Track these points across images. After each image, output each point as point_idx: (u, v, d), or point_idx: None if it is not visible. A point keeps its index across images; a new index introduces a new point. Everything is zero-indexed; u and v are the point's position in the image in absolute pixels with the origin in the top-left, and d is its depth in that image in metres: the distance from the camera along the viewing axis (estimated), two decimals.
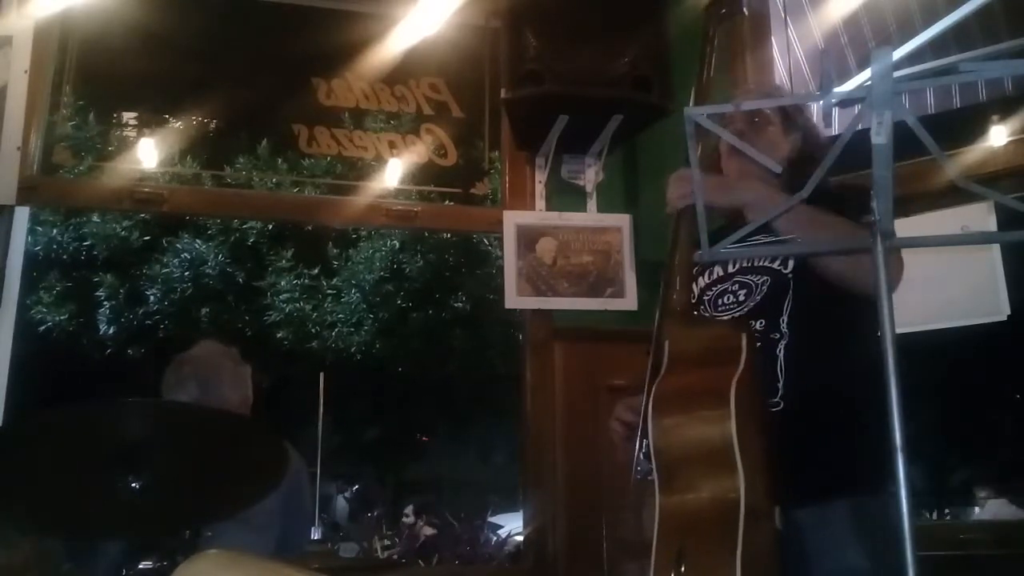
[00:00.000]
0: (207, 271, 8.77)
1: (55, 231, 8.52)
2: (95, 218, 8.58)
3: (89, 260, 8.74)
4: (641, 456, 1.52)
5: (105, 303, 8.80)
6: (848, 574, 1.60)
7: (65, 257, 8.67)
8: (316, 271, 8.97)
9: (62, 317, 8.61)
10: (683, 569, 1.27)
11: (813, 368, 1.63)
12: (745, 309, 1.75)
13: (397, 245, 9.02)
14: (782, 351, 1.68)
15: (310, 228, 8.92)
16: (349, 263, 9.12)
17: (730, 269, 1.84)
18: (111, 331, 8.90)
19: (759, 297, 1.75)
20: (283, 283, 8.86)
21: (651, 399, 1.42)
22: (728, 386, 1.39)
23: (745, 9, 1.92)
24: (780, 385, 1.66)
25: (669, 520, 1.33)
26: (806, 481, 1.37)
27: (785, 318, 1.71)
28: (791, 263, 1.74)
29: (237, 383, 2.32)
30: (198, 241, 8.77)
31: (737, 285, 1.80)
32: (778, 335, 1.70)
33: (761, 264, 1.78)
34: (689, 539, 1.31)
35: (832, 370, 1.67)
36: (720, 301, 1.80)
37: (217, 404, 2.23)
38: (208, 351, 2.39)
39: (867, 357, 1.75)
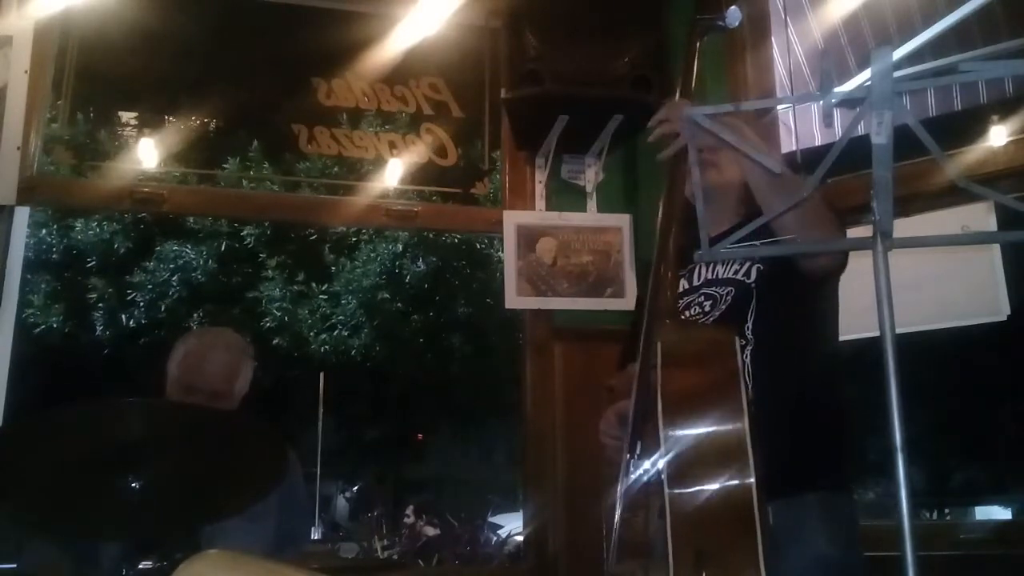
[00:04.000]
0: (199, 276, 8.77)
1: (44, 231, 8.53)
2: (77, 225, 8.59)
3: (80, 263, 8.75)
4: (635, 458, 1.52)
5: (100, 304, 8.79)
6: (816, 560, 1.67)
7: (55, 256, 8.67)
8: (302, 277, 8.95)
9: (56, 319, 8.61)
10: (704, 573, 1.27)
11: (779, 372, 1.70)
12: (711, 319, 1.83)
13: (400, 248, 9.01)
14: (748, 357, 1.75)
15: (307, 232, 8.91)
16: (345, 269, 9.11)
17: (695, 282, 1.91)
18: (107, 333, 8.89)
19: (724, 307, 1.83)
20: (276, 291, 8.86)
21: (660, 401, 1.42)
22: (737, 384, 1.40)
23: (725, 23, 1.93)
24: (749, 389, 1.69)
25: (683, 521, 1.32)
26: (774, 478, 1.39)
27: (750, 325, 1.79)
28: (753, 273, 1.83)
29: (236, 363, 2.33)
30: (189, 247, 8.76)
31: (703, 297, 1.88)
32: (744, 342, 1.76)
33: (725, 276, 1.87)
34: (707, 538, 1.31)
35: (797, 373, 1.75)
36: (686, 313, 1.87)
37: (211, 368, 2.26)
38: (223, 332, 2.48)
39: (831, 358, 1.87)
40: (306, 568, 1.59)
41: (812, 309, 1.81)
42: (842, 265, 1.78)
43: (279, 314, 8.85)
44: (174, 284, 8.71)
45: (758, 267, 1.82)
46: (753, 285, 1.82)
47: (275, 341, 8.84)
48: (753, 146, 1.64)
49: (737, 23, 1.94)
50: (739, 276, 1.84)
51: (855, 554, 1.75)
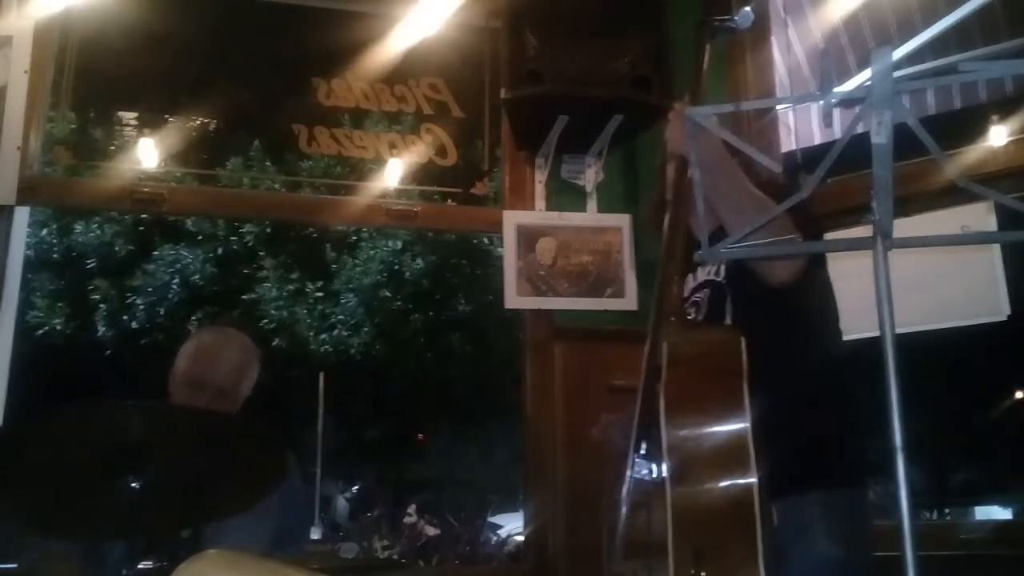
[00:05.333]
0: (198, 279, 8.76)
1: (44, 231, 8.54)
2: (77, 227, 8.59)
3: (81, 264, 8.75)
4: (638, 457, 1.52)
5: (101, 306, 8.80)
6: (819, 560, 1.65)
7: (56, 257, 8.67)
8: (296, 275, 8.94)
9: (58, 320, 8.61)
10: (703, 572, 1.28)
11: (763, 366, 1.62)
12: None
13: (399, 245, 9.01)
14: None
15: (307, 231, 8.92)
16: (347, 267, 9.11)
17: (685, 293, 1.91)
18: (108, 334, 8.89)
19: (705, 310, 1.83)
20: (273, 292, 8.86)
21: (662, 401, 1.42)
22: (740, 387, 1.41)
23: (734, 25, 1.90)
24: None
25: (684, 520, 1.33)
26: (776, 476, 1.39)
27: (728, 322, 1.78)
28: (723, 270, 1.82)
29: (246, 364, 2.33)
30: (187, 249, 8.76)
31: (690, 305, 1.89)
32: None
33: (703, 279, 1.87)
34: (706, 538, 1.31)
35: (778, 368, 1.65)
36: None
37: (222, 366, 2.26)
38: (235, 332, 2.46)
39: (821, 353, 1.81)
40: (306, 568, 1.59)
41: (786, 307, 1.72)
42: (799, 278, 1.69)
43: (276, 314, 8.85)
44: (174, 286, 8.71)
45: (725, 263, 1.81)
46: (723, 282, 1.81)
47: (275, 341, 8.84)
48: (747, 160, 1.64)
49: (749, 23, 1.90)
50: (711, 276, 1.85)
51: (860, 552, 1.71)
